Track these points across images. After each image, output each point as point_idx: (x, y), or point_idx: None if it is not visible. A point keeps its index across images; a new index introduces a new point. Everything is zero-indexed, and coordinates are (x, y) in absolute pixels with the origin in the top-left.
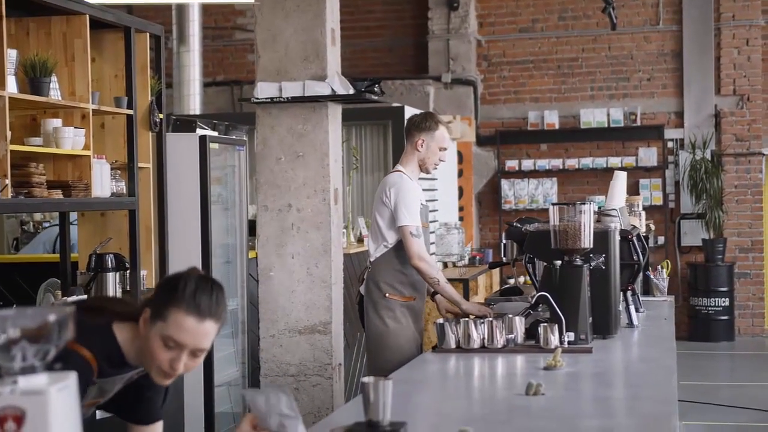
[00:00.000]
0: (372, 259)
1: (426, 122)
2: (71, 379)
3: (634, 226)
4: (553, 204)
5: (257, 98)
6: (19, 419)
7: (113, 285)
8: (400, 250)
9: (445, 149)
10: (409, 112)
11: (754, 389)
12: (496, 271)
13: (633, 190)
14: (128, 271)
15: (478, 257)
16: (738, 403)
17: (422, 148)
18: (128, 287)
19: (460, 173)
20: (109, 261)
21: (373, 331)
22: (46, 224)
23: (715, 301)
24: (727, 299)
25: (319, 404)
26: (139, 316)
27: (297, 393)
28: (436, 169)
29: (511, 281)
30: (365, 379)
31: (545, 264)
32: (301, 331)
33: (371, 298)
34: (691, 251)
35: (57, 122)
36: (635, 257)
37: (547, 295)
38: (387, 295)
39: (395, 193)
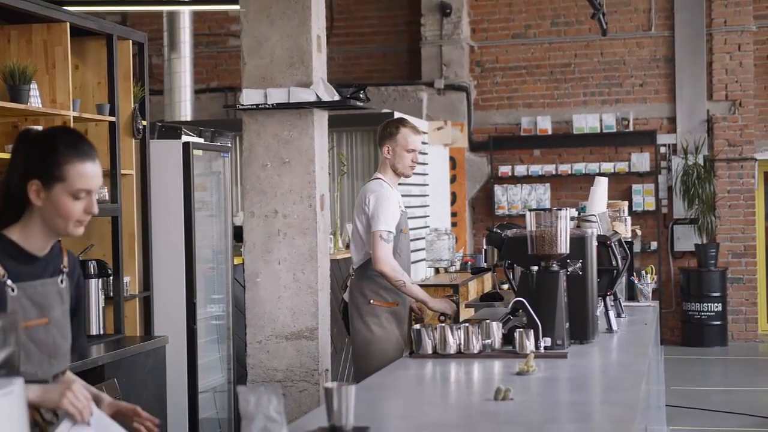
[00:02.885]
0: (355, 267)
1: (387, 129)
2: (17, 385)
3: (616, 232)
4: (530, 210)
5: (243, 105)
6: None
7: (96, 291)
8: None
9: (413, 150)
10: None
11: (746, 394)
12: (488, 277)
13: (625, 195)
14: (111, 278)
15: (470, 263)
16: (729, 408)
17: (390, 154)
18: (111, 294)
19: (453, 179)
20: (92, 267)
21: (359, 338)
22: None
23: (707, 306)
24: (720, 304)
25: (306, 410)
26: (20, 208)
27: (283, 399)
28: (413, 170)
29: (505, 287)
30: (328, 385)
31: (522, 269)
32: (287, 337)
33: (356, 305)
34: (684, 256)
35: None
36: (614, 263)
37: (524, 300)
38: (372, 301)
39: (374, 199)
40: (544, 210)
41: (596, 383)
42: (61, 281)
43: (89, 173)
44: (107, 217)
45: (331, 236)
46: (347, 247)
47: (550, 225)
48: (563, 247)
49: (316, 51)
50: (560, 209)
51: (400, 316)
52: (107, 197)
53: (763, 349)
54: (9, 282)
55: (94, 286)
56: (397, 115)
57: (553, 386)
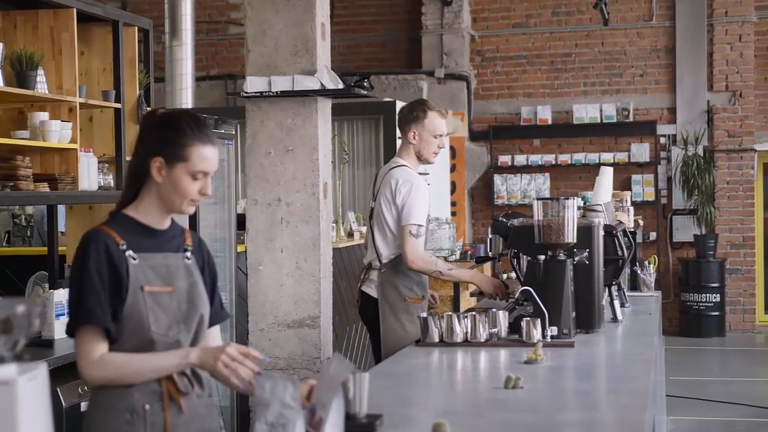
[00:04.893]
0: (384, 260)
1: (413, 112)
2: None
3: (621, 222)
4: (538, 199)
5: (247, 92)
6: None
7: None
8: None
9: (440, 136)
10: (401, 107)
11: (744, 385)
12: (488, 266)
13: (625, 185)
14: None
15: (470, 252)
16: (728, 398)
17: (415, 139)
18: None
19: (453, 168)
20: None
21: (393, 336)
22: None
23: (706, 297)
24: (719, 295)
25: None
26: (138, 187)
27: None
28: (436, 156)
29: (504, 276)
30: None
31: (529, 259)
32: (290, 325)
33: (389, 302)
34: (683, 247)
35: (44, 115)
36: (620, 252)
37: (531, 289)
38: (407, 299)
39: (407, 190)
40: (552, 199)
41: (605, 372)
42: (187, 258)
43: (209, 156)
44: (111, 204)
45: (333, 225)
46: (349, 235)
47: (557, 214)
48: (570, 236)
49: (320, 39)
50: (567, 198)
51: (425, 308)
52: (112, 184)
53: (760, 340)
54: (130, 252)
55: None
56: (399, 103)
57: (562, 375)
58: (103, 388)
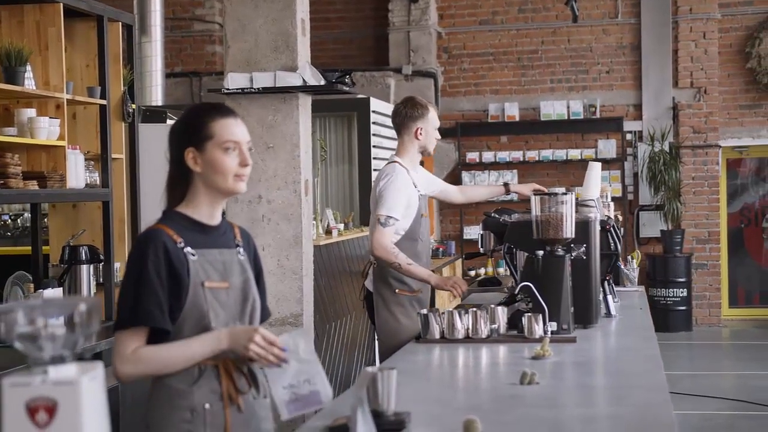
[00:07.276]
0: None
1: (416, 109)
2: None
3: (609, 217)
4: (535, 194)
5: (228, 89)
6: (51, 410)
7: (87, 277)
8: (404, 243)
9: (437, 128)
10: (375, 104)
11: (713, 378)
12: (458, 263)
13: None
14: (102, 264)
15: (441, 249)
16: (697, 392)
17: (421, 135)
18: (101, 279)
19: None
20: (83, 253)
21: (387, 328)
22: (5, 217)
23: (673, 292)
24: (685, 290)
25: None
26: (184, 188)
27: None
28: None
29: (472, 273)
30: (370, 369)
31: (527, 254)
32: (272, 323)
33: (381, 295)
34: (650, 242)
35: (31, 112)
36: (612, 247)
37: (530, 285)
38: (397, 291)
39: (384, 183)
40: (550, 194)
41: (614, 367)
42: (240, 254)
43: (233, 126)
44: (97, 202)
45: (312, 222)
46: (328, 232)
47: (554, 209)
48: (569, 231)
49: (300, 35)
50: (566, 193)
51: (423, 303)
52: (98, 182)
53: (726, 334)
54: (188, 249)
55: (86, 272)
56: (374, 101)
57: (572, 370)
58: (163, 384)
